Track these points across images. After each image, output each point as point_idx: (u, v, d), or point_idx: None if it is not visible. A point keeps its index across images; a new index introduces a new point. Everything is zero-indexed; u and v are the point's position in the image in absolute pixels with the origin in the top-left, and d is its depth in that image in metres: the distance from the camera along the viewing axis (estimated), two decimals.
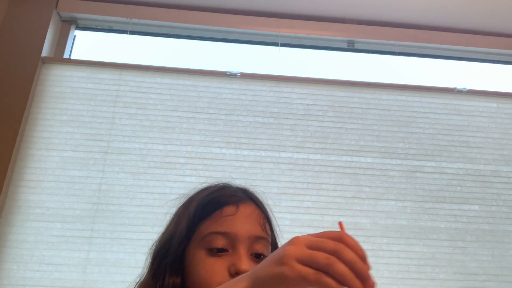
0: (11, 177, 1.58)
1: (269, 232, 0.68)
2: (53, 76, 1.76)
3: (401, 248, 1.63)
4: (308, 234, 0.44)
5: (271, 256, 0.46)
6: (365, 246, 1.65)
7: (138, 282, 0.68)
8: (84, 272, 1.49)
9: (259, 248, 0.63)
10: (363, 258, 0.42)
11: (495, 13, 1.95)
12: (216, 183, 0.72)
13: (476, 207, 1.72)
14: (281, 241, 0.71)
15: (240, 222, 0.63)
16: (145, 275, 0.68)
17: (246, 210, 0.65)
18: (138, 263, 1.51)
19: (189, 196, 0.72)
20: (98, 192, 1.60)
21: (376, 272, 1.58)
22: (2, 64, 1.71)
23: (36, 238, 1.51)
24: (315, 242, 0.42)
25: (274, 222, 0.71)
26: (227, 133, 1.73)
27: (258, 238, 0.64)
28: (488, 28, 2.03)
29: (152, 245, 0.70)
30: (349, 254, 0.41)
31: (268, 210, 0.71)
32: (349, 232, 1.70)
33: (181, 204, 0.72)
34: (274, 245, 0.69)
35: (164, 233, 0.70)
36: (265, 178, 1.67)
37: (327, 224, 1.63)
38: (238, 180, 1.69)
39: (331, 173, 1.71)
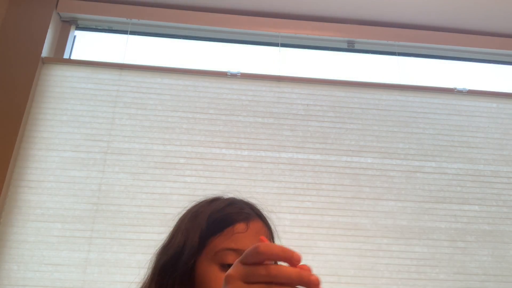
0: (11, 177, 1.58)
1: None
2: (53, 77, 1.76)
3: (401, 248, 1.63)
4: (235, 264, 0.42)
5: None
6: (365, 246, 1.64)
7: None
8: (84, 272, 1.49)
9: None
10: (290, 258, 0.39)
11: (494, 13, 1.95)
12: (222, 196, 0.73)
13: (476, 208, 1.72)
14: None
15: (250, 239, 0.66)
16: (146, 286, 0.67)
17: (255, 227, 0.68)
18: (138, 263, 1.51)
19: (193, 208, 0.72)
20: (98, 192, 1.60)
21: (376, 272, 1.58)
22: (2, 64, 1.71)
23: (36, 238, 1.51)
24: (249, 275, 0.41)
25: (275, 236, 0.75)
26: (227, 134, 1.73)
27: None
28: (488, 28, 2.03)
29: (155, 257, 0.69)
30: (283, 273, 0.39)
31: (271, 224, 0.74)
32: (349, 232, 1.69)
33: (186, 216, 0.72)
34: None
35: (170, 245, 0.69)
36: (265, 178, 1.67)
37: (327, 224, 1.63)
38: (238, 180, 1.70)
39: (331, 173, 1.71)
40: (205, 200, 0.73)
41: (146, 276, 0.68)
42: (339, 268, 1.57)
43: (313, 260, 1.58)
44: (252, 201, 0.75)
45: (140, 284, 0.68)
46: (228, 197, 0.73)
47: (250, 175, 1.67)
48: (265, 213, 0.74)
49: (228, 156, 1.69)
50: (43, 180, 1.59)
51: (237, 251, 0.64)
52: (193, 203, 0.73)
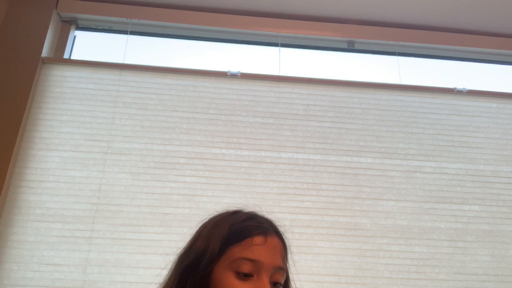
0: (12, 178, 1.58)
1: (286, 263, 0.76)
2: (53, 77, 1.76)
3: (401, 248, 1.63)
4: None
5: None
6: (365, 246, 1.65)
7: None
8: (84, 272, 1.49)
9: (278, 277, 0.71)
10: None
11: (495, 13, 1.95)
12: (243, 210, 0.78)
13: (476, 208, 1.72)
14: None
15: (267, 252, 0.70)
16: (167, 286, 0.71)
17: (272, 242, 0.72)
18: (138, 263, 1.51)
19: (215, 217, 0.77)
20: (98, 192, 1.60)
21: (376, 272, 1.58)
22: (2, 64, 1.71)
23: (36, 239, 1.51)
24: None
25: (289, 254, 0.79)
26: (227, 134, 1.73)
27: (279, 269, 0.71)
28: (488, 28, 2.03)
29: (177, 259, 0.74)
30: None
31: (287, 241, 0.78)
32: (349, 232, 1.70)
33: (208, 223, 0.77)
34: (287, 273, 0.77)
35: (191, 249, 0.74)
36: (265, 178, 1.67)
37: (327, 224, 1.63)
38: (238, 180, 1.70)
39: (331, 173, 1.71)
40: (227, 212, 0.78)
41: (168, 278, 0.72)
42: (339, 268, 1.57)
43: (313, 260, 1.58)
44: (271, 217, 0.79)
45: (162, 286, 0.72)
46: (249, 211, 0.78)
47: (250, 175, 1.67)
48: (281, 230, 0.78)
49: (228, 156, 1.70)
50: (43, 180, 1.60)
51: (253, 262, 0.68)
52: (215, 213, 0.78)
